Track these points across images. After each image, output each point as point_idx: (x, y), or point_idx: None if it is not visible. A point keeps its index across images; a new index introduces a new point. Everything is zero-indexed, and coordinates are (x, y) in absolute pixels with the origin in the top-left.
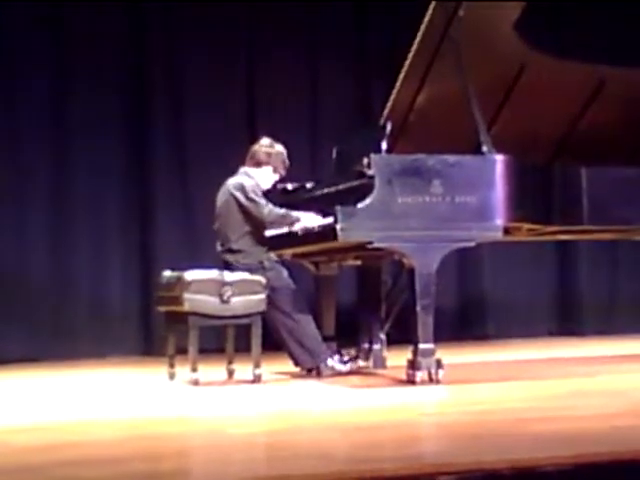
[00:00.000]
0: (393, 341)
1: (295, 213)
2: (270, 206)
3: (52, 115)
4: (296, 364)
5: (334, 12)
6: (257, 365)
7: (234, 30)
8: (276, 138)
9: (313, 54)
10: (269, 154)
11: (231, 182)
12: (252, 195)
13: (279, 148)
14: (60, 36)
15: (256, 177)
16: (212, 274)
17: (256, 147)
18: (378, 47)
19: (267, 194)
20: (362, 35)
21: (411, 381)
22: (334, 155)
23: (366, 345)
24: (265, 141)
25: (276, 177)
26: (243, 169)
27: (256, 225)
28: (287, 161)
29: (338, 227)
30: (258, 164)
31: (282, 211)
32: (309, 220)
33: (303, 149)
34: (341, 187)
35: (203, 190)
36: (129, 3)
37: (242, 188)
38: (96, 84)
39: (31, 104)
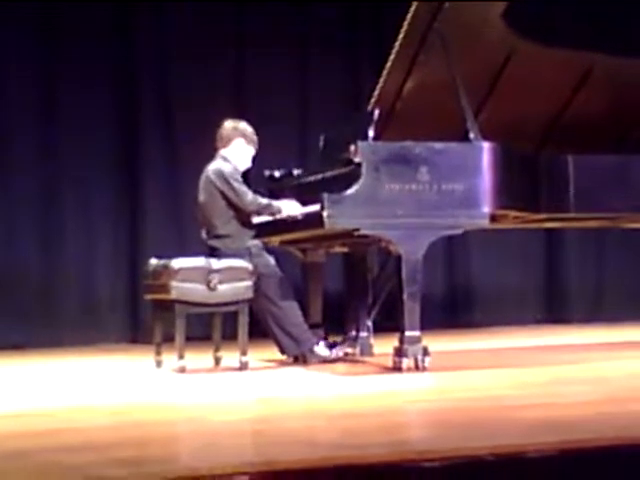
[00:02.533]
0: (380, 328)
1: (277, 203)
2: (250, 195)
3: (41, 107)
4: (282, 352)
5: (324, 1)
6: (244, 352)
7: (224, 20)
8: (265, 126)
9: (303, 42)
10: (235, 127)
11: (210, 169)
12: (232, 182)
13: (243, 124)
14: (48, 29)
15: (232, 158)
16: (199, 262)
17: (221, 129)
18: (368, 36)
19: (247, 175)
20: (352, 23)
21: (397, 368)
22: (321, 143)
23: (353, 332)
24: (228, 121)
25: (251, 149)
26: (219, 153)
27: (239, 209)
28: (255, 137)
29: (325, 214)
30: (229, 141)
31: (264, 201)
32: (292, 209)
33: (291, 137)
34: (328, 174)
35: (191, 179)
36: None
37: (222, 175)
38: (85, 76)
39: (20, 97)
